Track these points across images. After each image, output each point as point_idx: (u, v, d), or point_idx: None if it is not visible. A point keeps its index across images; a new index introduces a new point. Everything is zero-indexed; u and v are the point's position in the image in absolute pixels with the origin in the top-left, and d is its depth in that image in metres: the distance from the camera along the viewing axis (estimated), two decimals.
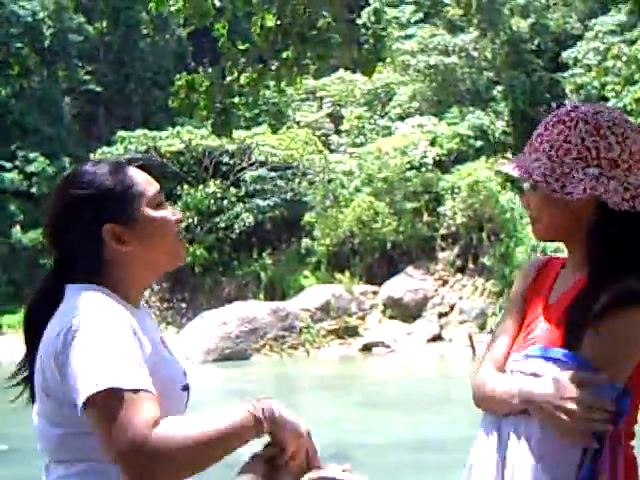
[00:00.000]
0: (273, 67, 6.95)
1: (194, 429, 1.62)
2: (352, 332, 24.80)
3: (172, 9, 7.25)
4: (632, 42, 24.34)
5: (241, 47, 7.48)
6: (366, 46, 7.29)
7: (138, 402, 1.61)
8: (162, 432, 1.58)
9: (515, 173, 2.00)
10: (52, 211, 1.89)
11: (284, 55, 6.89)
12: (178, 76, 7.58)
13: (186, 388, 1.92)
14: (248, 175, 29.37)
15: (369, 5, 30.70)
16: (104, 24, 34.97)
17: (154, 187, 1.94)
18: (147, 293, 28.39)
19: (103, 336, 1.69)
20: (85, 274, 1.85)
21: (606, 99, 26.97)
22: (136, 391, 1.63)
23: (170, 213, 1.94)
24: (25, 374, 1.90)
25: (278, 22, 6.84)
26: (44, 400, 1.79)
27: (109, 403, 1.61)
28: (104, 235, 1.84)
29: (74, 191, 1.87)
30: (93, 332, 1.69)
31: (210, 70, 7.40)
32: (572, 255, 2.06)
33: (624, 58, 24.61)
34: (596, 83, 27.65)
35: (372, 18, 7.48)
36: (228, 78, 7.03)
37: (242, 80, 7.06)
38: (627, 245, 1.93)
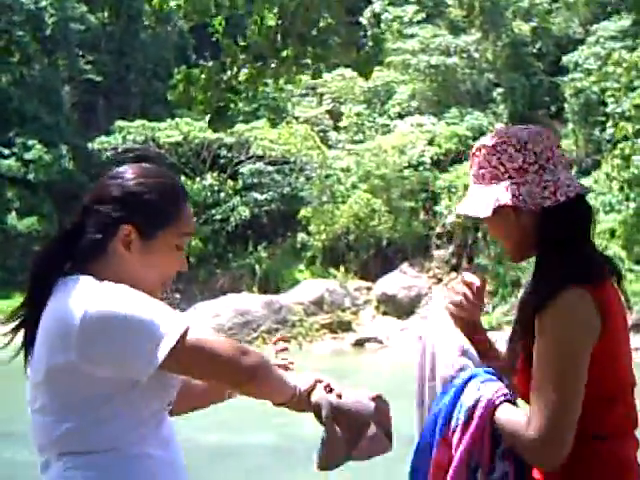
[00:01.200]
0: (272, 65, 7.05)
1: (271, 367, 1.96)
2: (345, 327, 24.89)
3: (172, 4, 7.32)
4: (633, 48, 24.41)
5: (241, 44, 7.56)
6: (365, 48, 7.37)
7: (208, 331, 1.87)
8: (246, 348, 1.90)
9: (458, 212, 2.22)
10: (103, 188, 1.96)
11: (284, 54, 6.98)
12: (177, 70, 7.65)
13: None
14: (246, 168, 29.42)
15: (372, 4, 30.77)
16: (106, 14, 34.94)
17: (191, 229, 2.03)
18: None
19: (138, 304, 1.82)
20: (85, 257, 1.91)
21: (605, 104, 27.05)
22: (192, 326, 1.83)
23: (179, 260, 2.01)
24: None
25: (279, 22, 6.93)
26: (45, 393, 1.84)
27: (192, 343, 1.81)
28: (120, 232, 1.91)
29: (134, 182, 1.95)
30: (129, 306, 1.80)
31: (209, 65, 7.48)
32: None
33: (624, 64, 24.66)
34: (596, 88, 27.71)
35: (371, 20, 7.53)
36: (227, 74, 7.10)
37: (241, 77, 7.16)
38: (564, 236, 2.03)
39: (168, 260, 1.96)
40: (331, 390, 2.05)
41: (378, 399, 2.11)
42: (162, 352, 1.77)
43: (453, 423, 2.05)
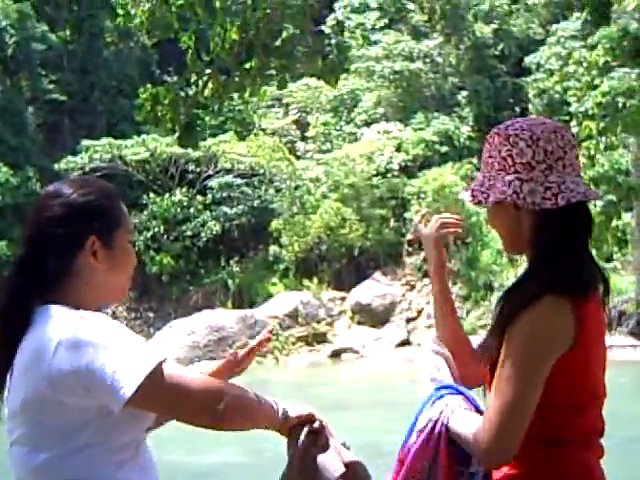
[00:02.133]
0: (237, 78, 6.98)
1: (247, 398, 1.91)
2: (321, 339, 24.83)
3: (135, 22, 7.24)
4: (592, 47, 24.61)
5: (205, 58, 7.50)
6: (330, 57, 7.34)
7: (177, 368, 1.83)
8: (229, 398, 1.83)
9: (462, 196, 2.22)
10: (46, 211, 1.92)
11: (247, 66, 6.92)
12: (142, 89, 7.57)
13: None
14: (214, 183, 29.32)
15: (334, 12, 30.82)
16: (68, 32, 34.70)
17: (131, 224, 2.06)
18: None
19: (113, 334, 1.79)
20: (52, 284, 1.88)
21: (568, 104, 27.27)
22: (166, 360, 1.81)
23: (132, 253, 2.05)
24: None
25: (243, 34, 6.87)
26: (22, 424, 1.81)
27: (161, 380, 1.78)
28: (85, 246, 1.90)
29: (77, 198, 1.93)
30: (102, 335, 1.77)
31: (174, 81, 7.40)
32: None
33: (585, 63, 24.90)
34: (558, 88, 27.94)
35: (335, 29, 7.51)
36: (192, 90, 7.04)
37: (206, 92, 7.09)
38: (558, 242, 2.01)
39: (128, 259, 2.01)
40: (318, 432, 2.01)
41: (355, 465, 2.05)
42: (130, 388, 1.74)
43: (408, 444, 2.10)
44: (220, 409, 1.79)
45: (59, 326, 1.79)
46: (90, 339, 1.76)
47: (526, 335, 1.92)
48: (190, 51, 7.09)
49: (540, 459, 1.97)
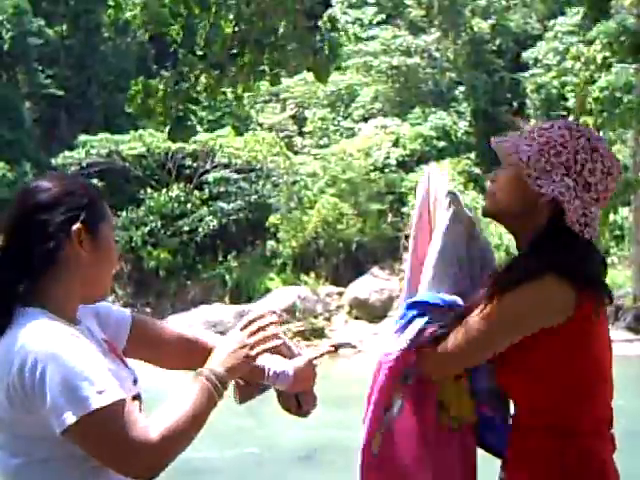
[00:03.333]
0: (230, 73, 6.96)
1: (176, 420, 1.80)
2: (318, 333, 24.82)
3: (128, 15, 7.22)
4: (590, 42, 24.59)
5: (199, 53, 7.48)
6: (322, 53, 7.32)
7: (124, 414, 1.74)
8: (156, 435, 1.75)
9: (506, 145, 2.19)
10: (29, 199, 1.90)
11: (241, 61, 6.90)
12: (134, 81, 7.56)
13: (136, 397, 1.94)
14: (212, 178, 29.28)
15: (331, 7, 30.77)
16: (64, 27, 34.64)
17: (113, 223, 2.06)
18: (111, 298, 28.13)
19: (66, 360, 1.74)
20: (36, 273, 1.85)
21: (566, 99, 27.26)
22: (116, 403, 1.74)
23: (115, 250, 2.03)
24: None
25: (236, 29, 6.84)
26: (4, 428, 1.81)
27: (99, 423, 1.72)
28: (72, 234, 1.88)
29: (66, 188, 1.92)
30: (56, 359, 1.74)
31: (167, 75, 7.38)
32: (517, 242, 2.18)
33: (582, 59, 24.88)
34: (556, 83, 27.94)
35: (328, 25, 7.50)
36: (185, 84, 7.02)
37: (199, 86, 7.07)
38: (563, 253, 2.04)
39: (112, 253, 1.99)
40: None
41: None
42: (71, 418, 1.72)
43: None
44: (146, 469, 1.77)
45: (28, 340, 1.77)
46: (51, 360, 1.74)
47: (519, 299, 1.98)
48: (176, 46, 7.08)
49: (555, 452, 2.00)
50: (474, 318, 2.02)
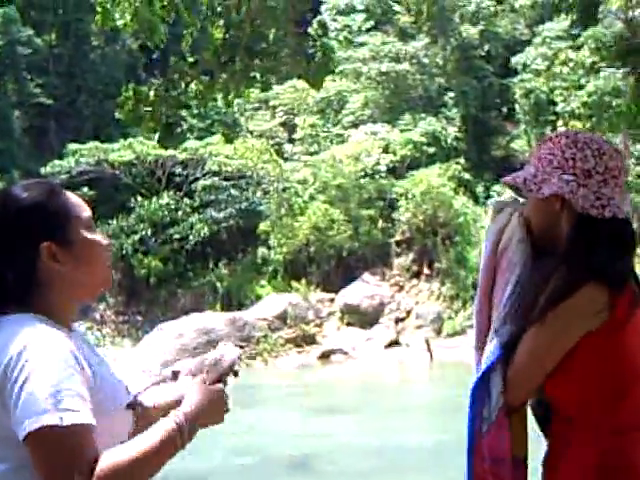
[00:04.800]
0: (221, 80, 6.96)
1: (127, 459, 1.70)
2: (310, 340, 24.80)
3: (119, 23, 7.21)
4: (578, 47, 24.69)
5: (189, 59, 7.47)
6: (315, 59, 7.32)
7: (79, 440, 1.67)
8: (101, 472, 1.66)
9: (506, 179, 2.28)
10: None
11: (232, 68, 6.89)
12: (124, 87, 7.54)
13: (130, 405, 1.92)
14: (202, 185, 29.26)
15: (320, 14, 30.83)
16: (53, 36, 34.61)
17: (87, 211, 1.95)
18: (102, 307, 28.09)
19: (45, 369, 1.70)
20: (18, 297, 1.83)
21: (555, 104, 27.34)
22: (76, 426, 1.67)
23: (102, 239, 1.96)
24: None
25: (226, 35, 6.84)
26: None
27: (51, 440, 1.66)
28: (41, 253, 1.84)
29: (13, 209, 1.86)
30: (36, 365, 1.70)
31: (157, 82, 7.35)
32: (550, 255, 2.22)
33: (571, 63, 24.98)
34: (545, 88, 28.02)
35: (319, 31, 7.49)
36: (175, 91, 7.00)
37: (190, 93, 7.06)
38: (594, 248, 2.11)
39: (93, 250, 1.92)
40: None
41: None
42: (33, 425, 1.67)
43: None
44: None
45: (15, 340, 1.74)
46: (33, 364, 1.70)
47: (564, 315, 2.06)
48: (159, 52, 7.06)
49: (591, 452, 2.08)
50: (526, 344, 2.12)
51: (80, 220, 1.91)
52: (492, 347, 2.17)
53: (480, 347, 2.24)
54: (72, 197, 1.95)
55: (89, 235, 1.92)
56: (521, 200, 2.36)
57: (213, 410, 1.96)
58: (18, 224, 1.85)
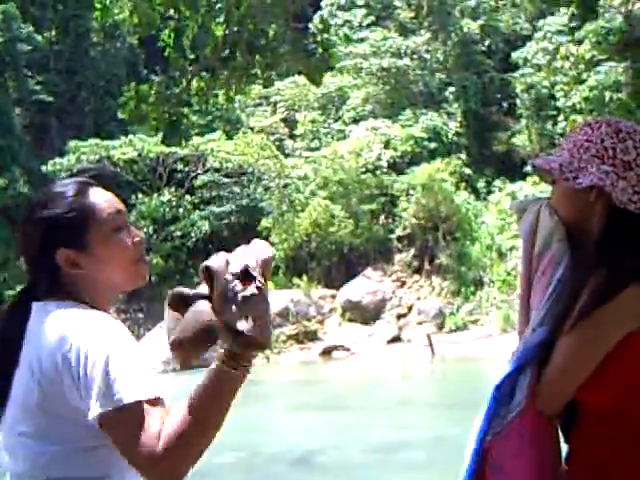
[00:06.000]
0: (222, 76, 6.94)
1: (194, 420, 1.67)
2: (312, 336, 24.81)
3: (118, 17, 7.19)
4: (579, 42, 24.66)
5: (190, 56, 7.46)
6: (315, 55, 7.30)
7: (149, 415, 1.68)
8: (166, 442, 1.65)
9: (537, 162, 2.17)
10: (19, 234, 1.95)
11: (233, 64, 6.87)
12: (126, 87, 7.51)
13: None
14: (203, 182, 29.25)
15: (320, 9, 30.81)
16: (53, 33, 34.59)
17: (113, 209, 1.94)
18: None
19: (117, 349, 1.72)
20: (48, 294, 1.87)
21: (556, 98, 27.32)
22: (149, 402, 1.69)
23: (127, 238, 1.94)
24: None
25: (226, 32, 6.82)
26: (36, 417, 1.78)
27: (124, 417, 1.67)
28: (58, 260, 1.86)
29: (34, 218, 1.90)
30: (106, 345, 1.72)
31: (158, 80, 7.34)
32: (586, 249, 2.16)
33: (572, 58, 24.94)
34: (546, 82, 28.00)
35: (320, 27, 7.47)
36: (177, 88, 6.99)
37: (191, 90, 7.04)
38: (629, 245, 2.04)
39: (116, 250, 1.91)
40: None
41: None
42: (98, 409, 1.68)
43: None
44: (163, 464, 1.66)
45: (69, 327, 1.76)
46: (96, 346, 1.72)
47: (604, 321, 1.99)
48: (169, 49, 7.04)
49: (619, 457, 2.02)
50: (564, 349, 2.04)
51: (102, 221, 1.91)
52: (524, 346, 2.08)
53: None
54: (99, 195, 1.95)
55: (111, 236, 1.91)
56: (542, 197, 2.25)
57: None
58: (42, 233, 1.88)
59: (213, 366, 1.73)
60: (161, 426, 1.67)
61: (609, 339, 1.99)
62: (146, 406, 1.68)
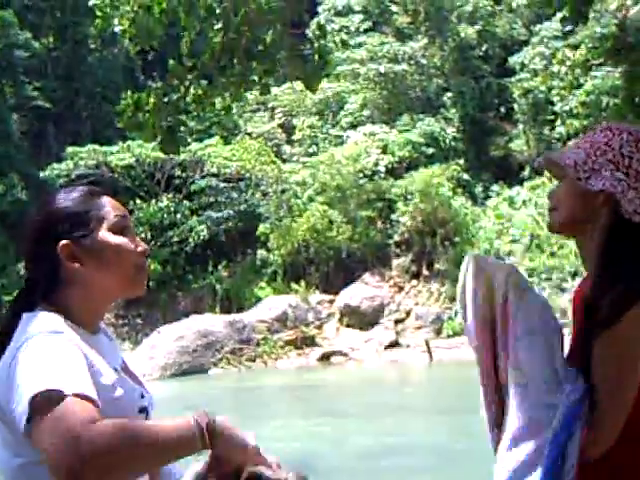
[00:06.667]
0: (219, 84, 6.95)
1: (128, 433, 1.61)
2: (310, 342, 24.79)
3: (117, 29, 7.20)
4: (575, 47, 24.71)
5: (187, 64, 7.47)
6: (312, 61, 7.31)
7: (76, 405, 1.61)
8: (95, 431, 1.57)
9: (552, 156, 2.16)
10: (26, 229, 1.97)
11: (230, 72, 6.88)
12: (124, 95, 7.52)
13: (143, 410, 1.92)
14: (201, 187, 29.25)
15: (318, 15, 30.85)
16: (51, 39, 34.61)
17: (118, 213, 1.96)
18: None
19: (44, 349, 1.71)
20: (43, 297, 1.88)
21: (553, 103, 27.37)
22: (75, 395, 1.63)
23: (131, 242, 1.96)
24: None
25: (223, 38, 6.83)
26: (1, 430, 1.77)
27: (49, 406, 1.60)
28: (59, 252, 1.88)
29: (43, 212, 1.95)
30: (36, 347, 1.71)
31: (156, 87, 7.34)
32: (581, 251, 2.17)
33: (568, 63, 25.00)
34: (543, 87, 28.05)
35: (317, 33, 7.48)
36: (175, 96, 6.99)
37: (188, 97, 7.05)
38: (630, 255, 2.04)
39: (117, 254, 1.92)
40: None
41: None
42: (29, 393, 1.64)
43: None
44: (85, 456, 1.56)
45: (22, 338, 1.77)
46: (29, 359, 1.70)
47: (628, 338, 1.97)
48: (157, 55, 7.04)
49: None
50: (607, 385, 1.99)
51: (105, 221, 1.93)
52: (557, 422, 1.95)
53: (493, 424, 2.09)
54: (106, 201, 1.98)
55: (112, 238, 1.93)
56: (500, 263, 2.15)
57: (243, 446, 1.77)
58: (43, 226, 1.92)
59: (184, 420, 1.70)
60: (93, 416, 1.59)
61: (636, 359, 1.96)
62: (65, 398, 1.61)
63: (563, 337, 2.05)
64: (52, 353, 1.71)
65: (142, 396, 1.95)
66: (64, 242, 1.89)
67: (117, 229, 1.94)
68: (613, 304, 1.97)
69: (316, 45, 7.39)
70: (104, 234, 1.92)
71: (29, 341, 1.74)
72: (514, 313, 2.03)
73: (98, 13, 7.03)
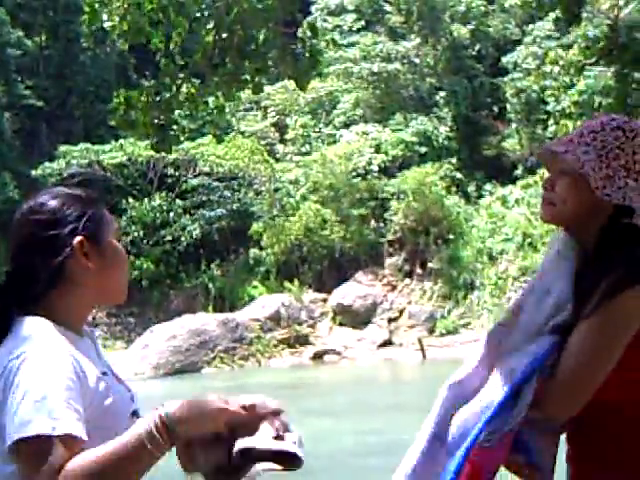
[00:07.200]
0: (211, 82, 6.95)
1: (92, 467, 1.66)
2: (303, 341, 24.80)
3: (107, 25, 7.19)
4: (568, 46, 24.76)
5: (180, 62, 7.46)
6: (303, 59, 7.31)
7: (52, 449, 1.66)
8: (65, 472, 1.64)
9: (567, 157, 2.08)
10: (29, 222, 1.91)
11: (223, 70, 6.87)
12: (116, 93, 7.51)
13: (135, 414, 1.92)
14: (193, 186, 29.22)
15: (311, 14, 30.84)
16: (43, 38, 34.52)
17: (116, 224, 2.03)
18: (94, 310, 28.02)
19: (41, 373, 1.72)
20: (36, 297, 1.86)
21: (546, 103, 27.40)
22: (63, 436, 1.67)
23: (121, 251, 2.01)
24: None
25: (216, 37, 6.82)
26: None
27: (27, 449, 1.67)
28: (75, 246, 1.88)
29: (62, 200, 1.92)
30: (31, 372, 1.72)
31: (147, 85, 7.33)
32: (579, 246, 2.15)
33: (561, 62, 25.04)
34: (536, 87, 28.08)
35: (308, 32, 7.46)
36: (167, 94, 6.99)
37: (180, 96, 7.05)
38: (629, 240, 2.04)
39: (119, 257, 1.98)
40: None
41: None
42: (10, 438, 1.69)
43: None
44: None
45: (16, 347, 1.77)
46: (23, 374, 1.73)
47: (618, 316, 1.95)
48: (163, 57, 7.02)
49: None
50: (584, 335, 1.98)
51: (112, 228, 1.99)
52: (526, 357, 1.99)
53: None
54: (104, 209, 2.03)
55: (114, 245, 1.98)
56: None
57: (204, 417, 1.80)
58: (63, 216, 1.90)
59: (139, 429, 1.71)
60: (63, 462, 1.65)
61: (621, 341, 1.95)
62: (52, 440, 1.67)
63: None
64: (48, 380, 1.72)
65: (132, 399, 1.96)
66: (82, 238, 1.89)
67: (117, 237, 2.01)
68: (609, 286, 1.97)
69: (307, 44, 7.40)
70: (112, 240, 1.97)
71: (26, 362, 1.74)
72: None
73: (86, 9, 7.02)
